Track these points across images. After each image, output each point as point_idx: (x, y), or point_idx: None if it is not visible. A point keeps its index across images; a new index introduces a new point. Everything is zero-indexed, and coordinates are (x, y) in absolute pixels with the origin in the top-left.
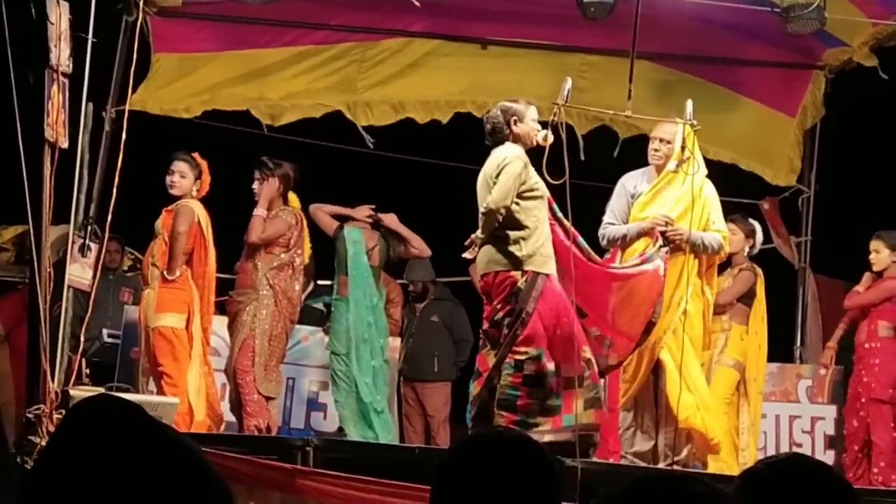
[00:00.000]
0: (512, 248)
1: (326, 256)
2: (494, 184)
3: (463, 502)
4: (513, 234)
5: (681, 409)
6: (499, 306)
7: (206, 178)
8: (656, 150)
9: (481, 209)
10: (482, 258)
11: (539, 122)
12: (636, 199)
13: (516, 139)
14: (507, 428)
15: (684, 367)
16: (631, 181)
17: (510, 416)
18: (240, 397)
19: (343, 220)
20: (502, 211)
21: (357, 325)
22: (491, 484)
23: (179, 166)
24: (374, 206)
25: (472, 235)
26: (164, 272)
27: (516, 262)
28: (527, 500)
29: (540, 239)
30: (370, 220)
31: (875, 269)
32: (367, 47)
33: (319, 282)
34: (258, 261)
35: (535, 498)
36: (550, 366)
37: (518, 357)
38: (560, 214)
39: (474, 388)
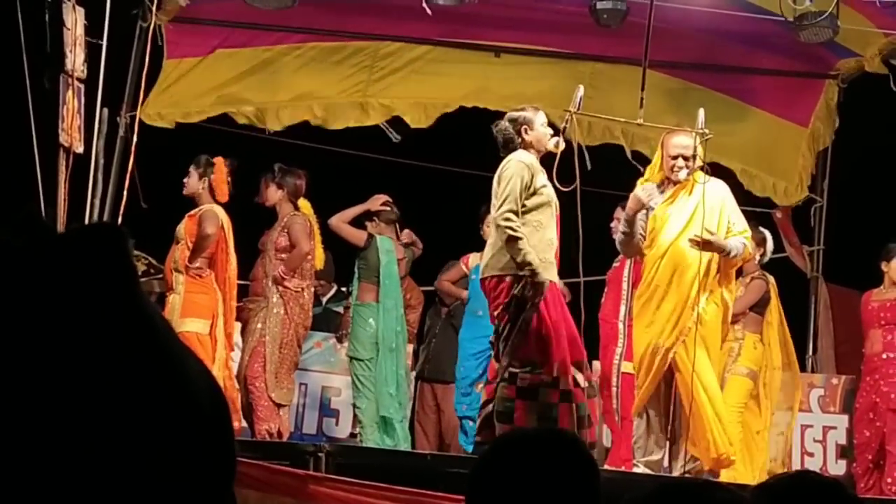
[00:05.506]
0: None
1: (341, 260)
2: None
3: (501, 499)
4: None
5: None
6: (496, 313)
7: (220, 178)
8: (681, 168)
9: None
10: (482, 262)
11: (550, 128)
12: (651, 212)
13: (528, 146)
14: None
15: (698, 375)
16: (646, 192)
17: (507, 427)
18: (251, 403)
19: (363, 219)
20: (513, 219)
21: (386, 334)
22: (530, 481)
23: (189, 168)
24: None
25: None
26: (186, 266)
27: (514, 268)
28: (568, 497)
29: (540, 245)
30: (386, 207)
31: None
32: (379, 47)
33: (341, 288)
34: (268, 268)
35: (576, 495)
36: (547, 378)
37: (513, 369)
38: None
39: (483, 395)
